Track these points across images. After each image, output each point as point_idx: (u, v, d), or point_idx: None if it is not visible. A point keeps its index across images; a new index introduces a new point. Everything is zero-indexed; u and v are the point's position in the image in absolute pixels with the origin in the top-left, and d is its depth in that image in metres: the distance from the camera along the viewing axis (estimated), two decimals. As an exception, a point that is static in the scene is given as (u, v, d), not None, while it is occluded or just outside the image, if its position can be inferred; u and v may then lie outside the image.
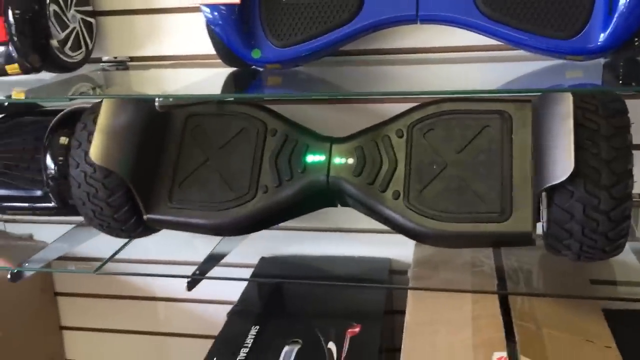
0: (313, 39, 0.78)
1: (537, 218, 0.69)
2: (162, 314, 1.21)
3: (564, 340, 0.72)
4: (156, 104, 0.70)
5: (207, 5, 0.78)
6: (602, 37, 0.70)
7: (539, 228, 0.70)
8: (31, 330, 1.21)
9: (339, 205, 0.81)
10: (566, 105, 0.64)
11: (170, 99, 0.72)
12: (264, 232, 0.85)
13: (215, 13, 0.79)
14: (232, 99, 0.83)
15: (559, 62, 0.76)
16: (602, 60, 0.77)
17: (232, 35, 0.79)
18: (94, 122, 0.78)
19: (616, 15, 0.69)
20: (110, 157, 0.76)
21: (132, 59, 1.00)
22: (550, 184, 0.63)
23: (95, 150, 0.75)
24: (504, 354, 0.66)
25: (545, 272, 0.89)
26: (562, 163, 0.62)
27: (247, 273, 1.04)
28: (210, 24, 0.80)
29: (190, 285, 0.81)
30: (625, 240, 0.66)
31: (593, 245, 0.66)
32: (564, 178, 0.61)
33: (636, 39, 0.71)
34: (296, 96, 0.88)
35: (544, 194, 0.67)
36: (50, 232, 1.12)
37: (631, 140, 0.63)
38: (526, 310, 0.76)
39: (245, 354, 0.81)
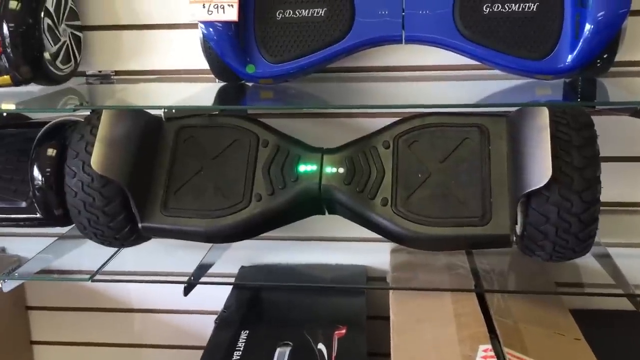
0: (305, 56, 0.83)
1: (514, 222, 0.75)
2: (138, 326, 1.21)
3: (539, 334, 0.79)
4: (162, 114, 0.73)
5: (204, 22, 0.82)
6: (569, 58, 0.78)
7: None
8: (0, 345, 1.19)
9: (327, 213, 0.86)
10: (543, 118, 0.71)
11: (173, 110, 0.75)
12: (242, 242, 0.88)
13: (212, 29, 0.82)
14: (228, 110, 0.86)
15: (528, 80, 0.84)
16: (563, 79, 0.85)
17: (227, 51, 0.83)
18: (92, 133, 0.80)
19: (582, 40, 0.77)
20: (110, 167, 0.78)
21: (116, 72, 1.03)
22: (530, 189, 0.69)
23: (96, 160, 0.77)
24: (489, 346, 0.72)
25: (515, 274, 0.96)
26: (540, 170, 0.69)
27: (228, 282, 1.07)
28: (206, 39, 0.84)
29: (187, 290, 0.84)
30: (592, 240, 0.74)
31: (565, 246, 0.73)
32: (543, 184, 0.68)
33: (598, 61, 0.80)
34: (293, 108, 0.93)
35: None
36: (22, 246, 1.13)
37: (598, 150, 0.71)
38: (503, 307, 0.83)
39: (239, 357, 0.84)
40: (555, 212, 0.70)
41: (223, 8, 0.81)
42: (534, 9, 0.79)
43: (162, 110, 0.74)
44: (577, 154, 0.70)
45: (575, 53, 0.78)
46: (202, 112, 0.84)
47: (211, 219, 0.81)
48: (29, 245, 1.02)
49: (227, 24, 0.82)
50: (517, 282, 0.96)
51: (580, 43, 0.77)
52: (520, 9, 0.79)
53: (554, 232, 0.72)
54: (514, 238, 0.75)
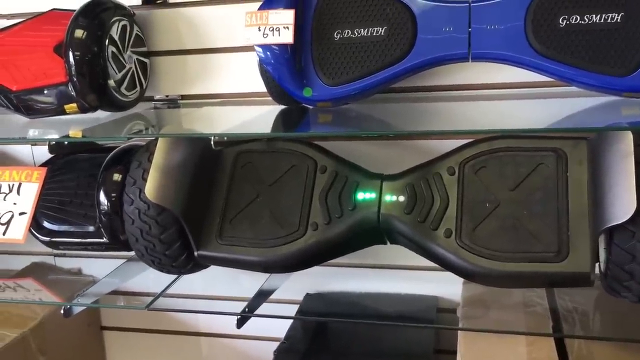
0: (365, 77, 0.79)
1: (595, 258, 0.67)
2: (206, 350, 1.20)
3: (627, 387, 0.70)
4: (212, 141, 0.71)
5: (260, 45, 0.80)
6: (661, 73, 0.69)
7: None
8: (77, 364, 1.22)
9: (388, 243, 0.81)
10: (626, 143, 0.63)
11: (225, 138, 0.73)
12: (308, 269, 0.85)
13: (268, 52, 0.80)
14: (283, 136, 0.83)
15: (612, 98, 0.75)
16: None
17: (284, 74, 0.80)
18: (149, 160, 0.80)
19: (676, 52, 0.68)
20: (164, 195, 0.77)
21: (183, 97, 1.03)
22: (611, 224, 0.61)
23: (151, 188, 0.77)
24: (565, 400, 0.64)
25: (602, 313, 0.86)
26: (624, 203, 0.61)
27: (292, 309, 1.03)
28: (262, 63, 0.82)
29: (240, 323, 0.81)
30: (689, 282, 0.64)
31: (656, 287, 0.64)
32: (626, 218, 0.60)
33: (696, 76, 0.70)
34: (348, 134, 0.89)
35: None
36: (98, 267, 1.15)
37: (693, 179, 0.62)
38: (584, 354, 0.74)
39: (294, 394, 0.81)
40: (643, 249, 0.62)
41: (279, 31, 0.78)
42: (618, 20, 0.70)
43: (212, 137, 0.72)
44: (668, 183, 0.61)
45: (668, 68, 0.69)
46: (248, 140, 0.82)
47: (266, 249, 0.79)
48: (104, 266, 1.04)
49: (283, 46, 0.79)
50: (603, 323, 0.86)
51: (674, 56, 0.68)
52: (602, 20, 0.71)
53: (642, 272, 0.63)
54: (596, 276, 0.67)
